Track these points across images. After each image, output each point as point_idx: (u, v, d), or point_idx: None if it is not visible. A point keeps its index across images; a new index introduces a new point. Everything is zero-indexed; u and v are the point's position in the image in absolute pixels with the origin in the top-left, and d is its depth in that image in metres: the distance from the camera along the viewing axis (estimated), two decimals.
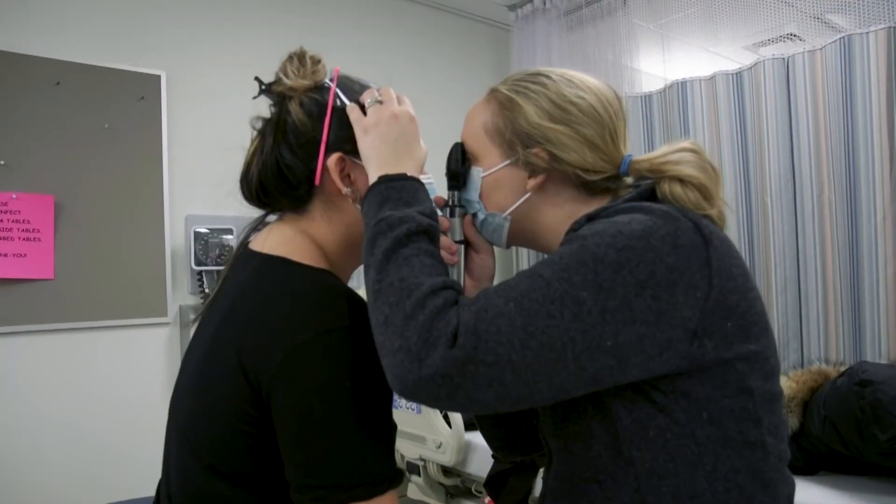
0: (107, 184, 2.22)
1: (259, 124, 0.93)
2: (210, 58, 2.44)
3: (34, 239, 2.08)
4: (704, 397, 0.74)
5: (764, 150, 2.25)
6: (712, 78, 2.43)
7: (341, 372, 0.74)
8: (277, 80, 0.92)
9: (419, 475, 2.11)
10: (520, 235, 0.93)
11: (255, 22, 2.58)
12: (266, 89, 0.93)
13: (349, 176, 0.89)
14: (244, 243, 0.94)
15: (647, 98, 2.67)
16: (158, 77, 2.32)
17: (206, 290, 2.35)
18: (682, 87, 2.51)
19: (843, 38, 2.06)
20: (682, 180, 0.81)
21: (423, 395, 0.68)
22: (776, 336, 2.20)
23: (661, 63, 2.89)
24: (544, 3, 2.96)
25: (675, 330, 0.71)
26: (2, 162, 2.04)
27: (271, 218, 0.97)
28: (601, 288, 0.69)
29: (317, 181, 0.88)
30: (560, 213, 0.88)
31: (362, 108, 0.88)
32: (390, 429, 0.79)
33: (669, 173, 0.81)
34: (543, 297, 0.69)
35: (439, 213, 0.95)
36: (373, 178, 0.82)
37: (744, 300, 0.75)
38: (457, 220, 0.94)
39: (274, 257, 0.85)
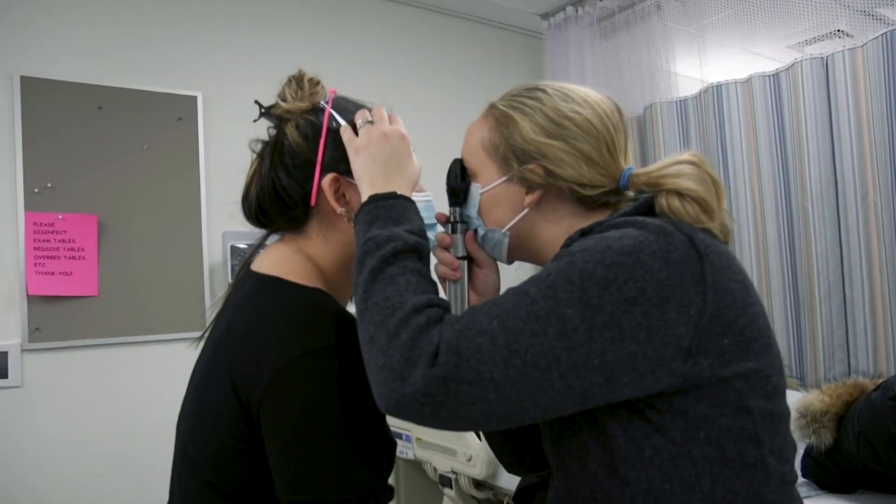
0: (147, 202, 2.29)
1: (258, 147, 0.95)
2: (245, 78, 2.50)
3: (79, 257, 2.16)
4: (701, 416, 0.72)
5: (804, 153, 2.17)
6: (748, 80, 2.37)
7: (327, 390, 0.75)
8: (276, 104, 0.94)
9: (451, 488, 2.11)
10: (520, 251, 0.92)
11: (290, 41, 2.64)
12: (265, 112, 0.96)
13: (344, 196, 0.90)
14: (246, 263, 0.96)
15: (683, 103, 2.61)
16: (195, 98, 2.40)
17: None
18: (717, 90, 2.46)
19: (886, 33, 1.98)
20: (680, 194, 0.79)
21: (408, 413, 0.68)
22: (820, 347, 2.13)
23: (698, 66, 2.82)
24: (576, 11, 2.93)
25: (668, 347, 0.69)
26: (49, 185, 2.13)
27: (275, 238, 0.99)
28: (588, 305, 0.68)
29: (312, 202, 0.90)
30: (558, 229, 0.87)
31: (355, 128, 0.89)
32: (380, 445, 0.80)
33: (666, 187, 0.80)
34: (528, 315, 0.68)
35: (441, 229, 0.96)
36: (364, 198, 0.83)
37: (743, 316, 0.73)
38: (458, 237, 0.94)
39: (269, 277, 0.87)
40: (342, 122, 0.91)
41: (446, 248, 0.94)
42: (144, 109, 2.31)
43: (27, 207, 2.10)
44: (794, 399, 1.68)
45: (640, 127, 2.76)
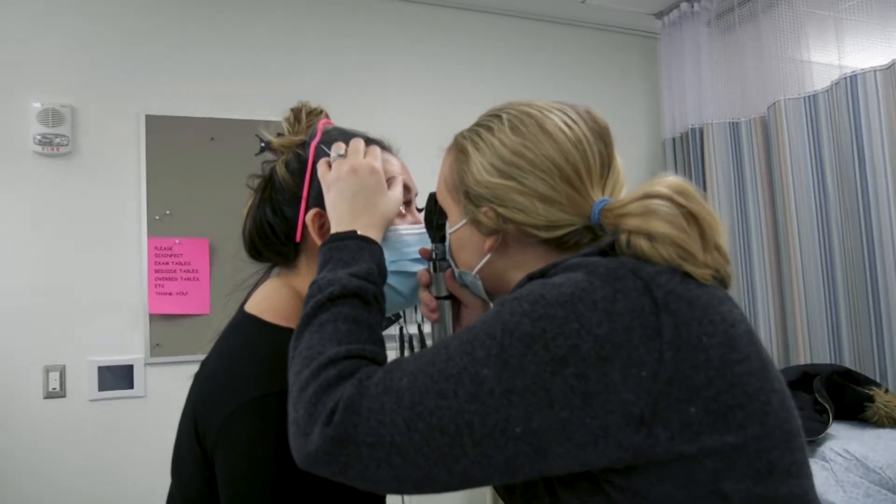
0: None
1: (254, 182, 0.96)
2: (346, 103, 2.59)
3: (193, 279, 2.34)
4: (663, 497, 0.60)
5: None
6: (890, 66, 2.05)
7: (269, 437, 0.72)
8: (274, 138, 0.94)
9: None
10: (498, 292, 0.83)
11: (396, 63, 2.71)
12: (265, 148, 0.96)
13: (330, 231, 0.88)
14: (246, 298, 0.97)
15: (812, 99, 2.32)
16: None
17: None
18: (851, 81, 2.15)
19: None
20: (650, 235, 0.65)
21: (317, 470, 0.64)
22: None
23: (835, 53, 2.48)
24: (692, 7, 2.71)
25: (612, 416, 0.58)
26: (167, 212, 2.33)
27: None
28: (507, 365, 0.59)
29: (297, 238, 0.89)
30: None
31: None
32: (332, 494, 0.75)
33: (627, 227, 0.67)
34: (440, 374, 0.61)
35: (421, 267, 0.90)
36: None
37: (719, 378, 0.60)
38: (439, 275, 0.87)
39: (247, 315, 0.87)
40: (331, 154, 0.89)
41: (428, 287, 0.89)
42: (251, 138, 2.44)
43: (149, 233, 2.31)
44: None
45: (763, 128, 2.50)
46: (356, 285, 0.73)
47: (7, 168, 2.20)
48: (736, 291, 2.55)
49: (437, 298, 0.87)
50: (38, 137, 2.20)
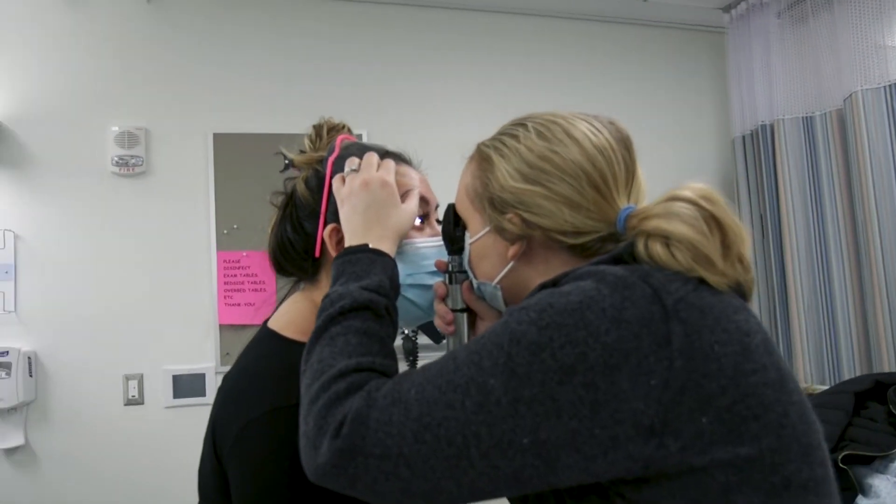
0: None
1: (277, 199, 0.99)
2: (405, 117, 2.62)
3: (260, 290, 2.42)
4: None
5: None
6: None
7: (280, 451, 0.74)
8: (297, 155, 0.97)
9: None
10: (516, 303, 0.83)
11: (460, 71, 2.73)
12: (289, 165, 0.99)
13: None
14: (272, 313, 1.00)
15: (893, 88, 2.17)
16: (360, 136, 2.55)
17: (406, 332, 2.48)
18: None
19: None
20: (666, 238, 0.65)
21: (327, 483, 0.64)
22: None
23: None
24: None
25: (622, 426, 0.57)
26: (235, 226, 2.43)
27: None
28: (514, 374, 0.59)
29: (316, 253, 0.90)
30: None
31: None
32: None
33: (647, 229, 0.66)
34: (447, 384, 0.61)
35: (438, 279, 0.90)
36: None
37: (733, 387, 0.58)
38: (455, 287, 0.87)
39: (268, 330, 0.89)
40: (348, 169, 0.90)
41: (444, 299, 0.88)
42: None
43: (218, 247, 2.41)
44: None
45: (840, 122, 2.35)
46: (367, 298, 0.74)
47: (89, 188, 2.34)
48: (813, 298, 2.41)
49: (453, 311, 0.87)
50: (116, 159, 2.34)
